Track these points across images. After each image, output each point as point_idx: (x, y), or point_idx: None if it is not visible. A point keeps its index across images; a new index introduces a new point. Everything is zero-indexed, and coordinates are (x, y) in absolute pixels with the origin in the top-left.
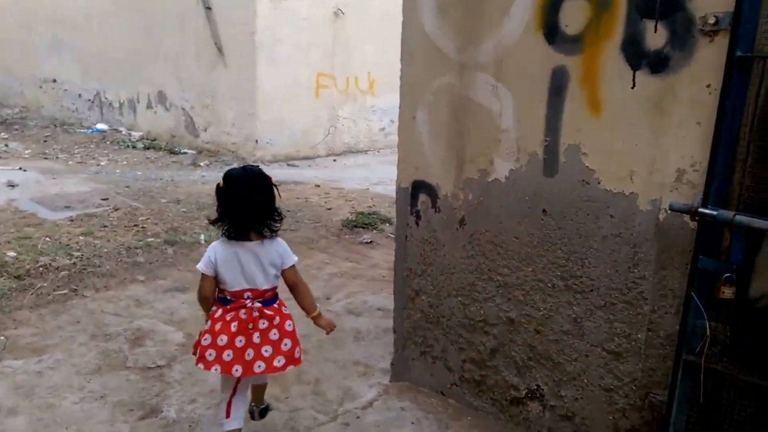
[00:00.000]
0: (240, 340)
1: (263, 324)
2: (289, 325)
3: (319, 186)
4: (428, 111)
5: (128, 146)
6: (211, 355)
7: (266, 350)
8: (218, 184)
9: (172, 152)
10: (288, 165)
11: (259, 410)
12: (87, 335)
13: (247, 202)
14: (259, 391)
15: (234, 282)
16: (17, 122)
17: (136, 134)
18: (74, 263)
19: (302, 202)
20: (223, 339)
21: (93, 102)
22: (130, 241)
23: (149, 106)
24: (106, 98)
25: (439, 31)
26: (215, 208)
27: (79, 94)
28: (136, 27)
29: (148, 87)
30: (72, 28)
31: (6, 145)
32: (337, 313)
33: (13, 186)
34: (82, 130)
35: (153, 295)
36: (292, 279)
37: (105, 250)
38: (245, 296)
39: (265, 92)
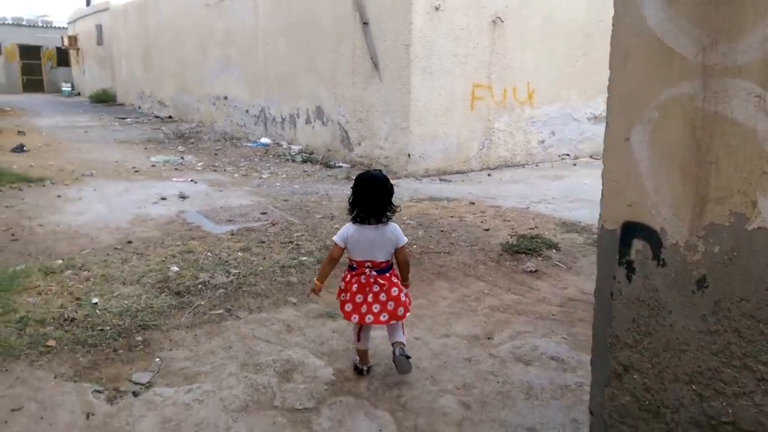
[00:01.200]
0: (359, 297)
1: (375, 288)
2: (395, 291)
3: (473, 203)
4: (651, 131)
5: (288, 159)
6: (348, 307)
7: (376, 307)
8: (356, 185)
9: (328, 165)
10: (440, 180)
11: (404, 355)
12: (237, 364)
13: (372, 198)
14: (395, 330)
15: (359, 254)
16: (193, 136)
17: (295, 148)
18: (231, 281)
19: (456, 222)
20: (346, 295)
21: (258, 117)
22: (284, 259)
23: (308, 121)
24: (270, 114)
25: (670, 24)
26: (348, 200)
27: (247, 110)
28: (296, 47)
29: (307, 102)
30: (240, 49)
31: (182, 158)
32: (502, 360)
33: (184, 198)
34: (248, 144)
35: (304, 320)
36: (402, 257)
37: (261, 268)
38: (366, 266)
39: (418, 105)
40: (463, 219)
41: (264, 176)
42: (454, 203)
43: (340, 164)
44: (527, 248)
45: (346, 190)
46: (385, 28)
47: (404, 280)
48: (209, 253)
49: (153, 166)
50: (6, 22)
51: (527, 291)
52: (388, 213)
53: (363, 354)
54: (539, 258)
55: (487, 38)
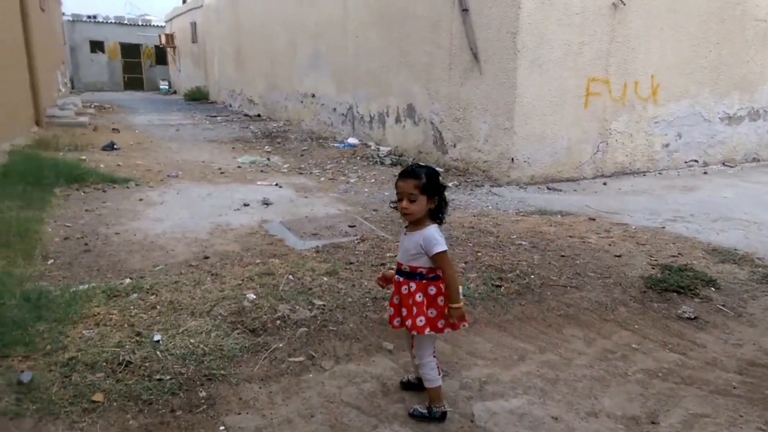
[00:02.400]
0: (396, 299)
1: (403, 290)
2: (420, 297)
3: (593, 219)
4: None
5: (376, 162)
6: (390, 311)
7: (392, 310)
8: (436, 177)
9: None
10: (548, 189)
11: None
12: None
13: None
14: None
15: (399, 255)
16: (280, 135)
17: (384, 149)
18: (315, 316)
19: (578, 244)
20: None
21: (346, 116)
22: (377, 287)
23: (398, 120)
24: (358, 112)
25: None
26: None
27: (334, 108)
28: (387, 39)
29: (398, 100)
30: (329, 43)
31: (268, 159)
32: None
33: (267, 204)
34: (335, 144)
35: (402, 376)
36: (438, 263)
37: (349, 299)
38: (402, 268)
39: (524, 102)
40: (586, 240)
41: (351, 180)
42: (569, 219)
43: (434, 168)
44: (678, 285)
45: None
46: (488, 15)
47: (451, 300)
48: (291, 277)
49: (239, 167)
50: (109, 21)
51: (690, 348)
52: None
53: (441, 391)
54: (695, 299)
55: (606, 24)
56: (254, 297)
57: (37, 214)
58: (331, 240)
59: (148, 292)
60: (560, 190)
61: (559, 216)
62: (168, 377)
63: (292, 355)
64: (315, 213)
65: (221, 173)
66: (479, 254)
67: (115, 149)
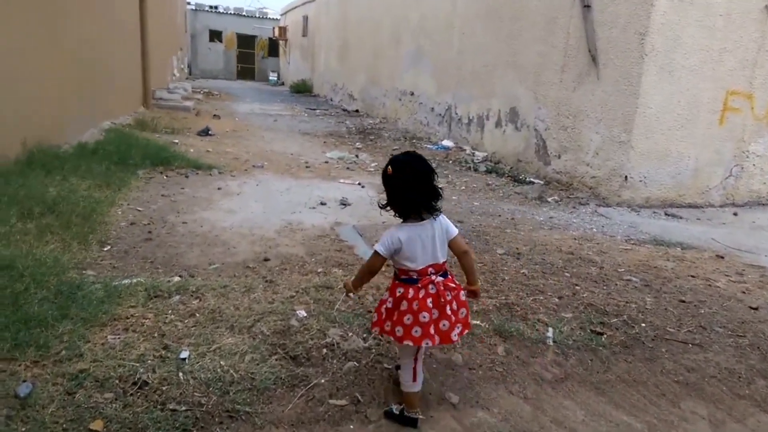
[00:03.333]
0: (435, 313)
1: (448, 296)
2: (462, 294)
3: (722, 257)
4: None
5: (470, 167)
6: (417, 332)
7: (451, 320)
8: (385, 170)
9: (516, 180)
10: (666, 214)
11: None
12: None
13: (420, 186)
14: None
15: (420, 260)
16: (374, 132)
17: (479, 154)
18: (369, 348)
19: (702, 287)
20: (425, 316)
21: (443, 117)
22: None
23: (498, 124)
24: (456, 113)
25: None
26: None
27: (432, 108)
28: (495, 35)
29: (500, 102)
30: (433, 39)
31: (357, 156)
32: None
33: (345, 205)
34: (428, 146)
35: None
36: (462, 246)
37: None
38: (429, 272)
39: (647, 114)
40: (712, 283)
41: (440, 186)
42: (692, 253)
43: (532, 179)
44: None
45: (536, 214)
46: (613, 12)
47: (472, 283)
48: (351, 293)
49: (326, 162)
50: (229, 12)
51: None
52: (436, 204)
53: (414, 398)
54: None
55: (755, 30)
56: (304, 315)
57: (111, 195)
58: None
59: (192, 295)
60: (680, 217)
61: (678, 249)
62: (183, 408)
63: (334, 395)
64: (393, 219)
65: (306, 167)
66: (577, 288)
67: (210, 135)
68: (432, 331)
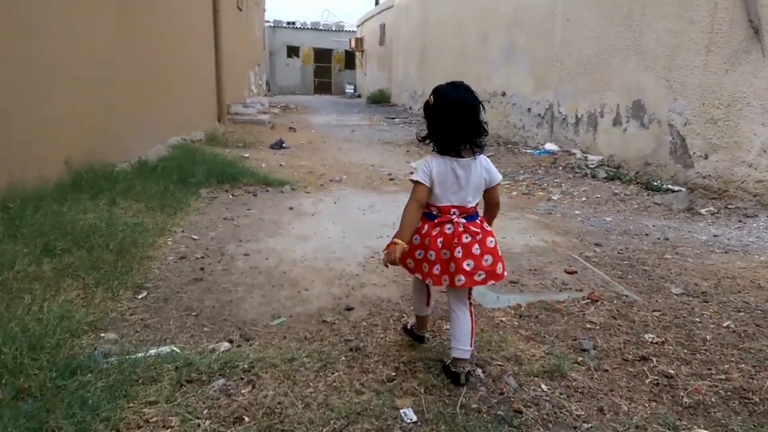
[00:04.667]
0: (445, 254)
1: (466, 238)
2: (491, 241)
3: None
4: None
5: (585, 174)
6: (426, 267)
7: (468, 264)
8: (427, 101)
9: (650, 187)
10: None
11: (465, 374)
12: None
13: (462, 118)
14: (458, 327)
15: (444, 197)
16: None
17: (593, 158)
18: None
19: None
20: (432, 254)
21: (543, 117)
22: (645, 415)
23: (617, 122)
24: (560, 112)
25: None
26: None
27: (528, 109)
28: (610, 18)
29: (619, 96)
30: (529, 31)
31: None
32: None
33: None
34: (527, 150)
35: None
36: (496, 198)
37: None
38: (452, 212)
39: None
40: None
41: (554, 197)
42: None
43: (669, 186)
44: None
45: (694, 231)
46: None
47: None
48: (480, 373)
49: (411, 173)
50: (306, 27)
51: None
52: (479, 140)
53: (424, 321)
54: None
55: None
56: (413, 419)
57: (163, 220)
58: (539, 295)
59: (242, 379)
60: None
61: None
62: None
63: None
64: (510, 244)
65: (390, 179)
66: None
67: (284, 148)
68: (436, 271)
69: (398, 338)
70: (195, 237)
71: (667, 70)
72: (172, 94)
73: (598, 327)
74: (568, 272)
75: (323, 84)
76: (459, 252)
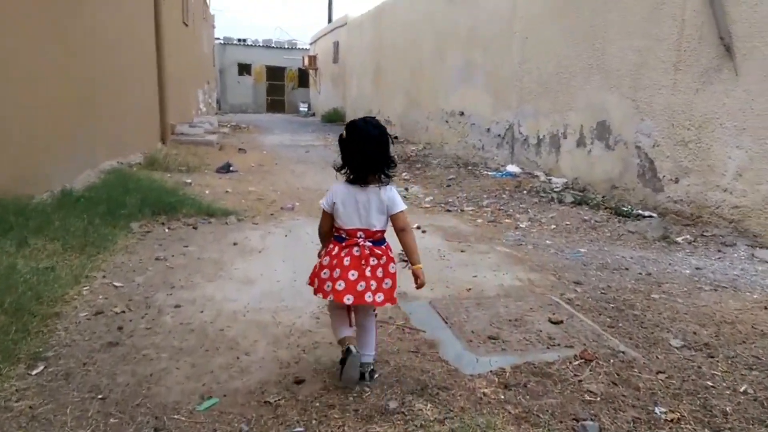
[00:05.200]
0: (353, 274)
1: (373, 261)
2: (393, 267)
3: None
4: None
5: (552, 199)
6: (328, 286)
7: (373, 284)
8: (341, 135)
9: (619, 213)
10: None
11: (369, 371)
12: None
13: (369, 151)
14: (365, 336)
15: (349, 221)
16: (420, 160)
17: (557, 181)
18: None
19: None
20: (337, 272)
21: (503, 138)
22: None
23: (581, 143)
24: (521, 133)
25: None
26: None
27: (488, 129)
28: (572, 36)
29: (582, 116)
30: (487, 50)
31: (406, 189)
32: None
33: (406, 262)
34: (488, 173)
35: None
36: (401, 223)
37: None
38: (358, 235)
39: None
40: None
41: (522, 225)
42: None
43: (640, 211)
44: None
45: (674, 263)
46: None
47: (413, 262)
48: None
49: None
50: (257, 44)
51: None
52: (387, 171)
53: (347, 341)
54: None
55: None
56: None
57: (82, 263)
58: (525, 355)
59: None
60: None
61: None
62: None
63: None
64: (482, 284)
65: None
66: None
67: (231, 171)
68: (342, 288)
69: (359, 426)
70: (118, 284)
71: (633, 90)
72: (106, 113)
73: (599, 399)
74: (553, 322)
75: (276, 102)
76: (368, 271)
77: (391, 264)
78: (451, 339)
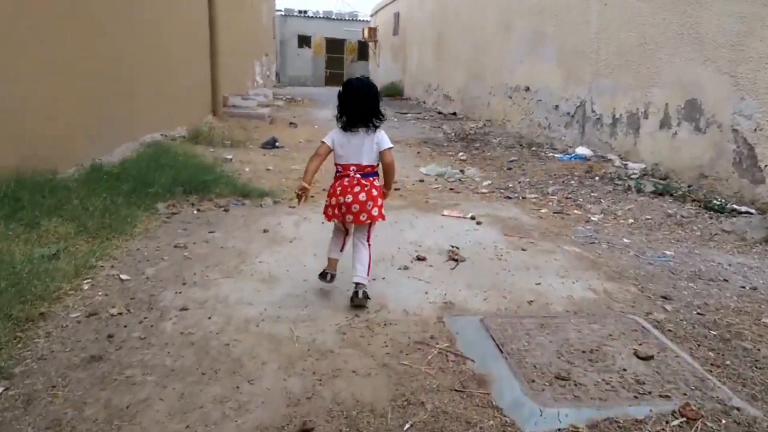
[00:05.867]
0: (341, 199)
1: (357, 189)
2: (374, 192)
3: None
4: None
5: (629, 188)
6: (330, 211)
7: (355, 207)
8: (339, 91)
9: (710, 207)
10: None
11: (362, 292)
12: None
13: (359, 104)
14: (357, 254)
15: (344, 158)
16: (479, 139)
17: (634, 166)
18: None
19: None
20: (333, 200)
21: (573, 116)
22: None
23: (665, 125)
24: (593, 111)
25: None
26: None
27: (556, 106)
28: (658, 1)
29: (668, 94)
30: (559, 19)
31: (462, 171)
32: None
33: (456, 261)
34: (555, 154)
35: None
36: (388, 159)
37: None
38: (351, 169)
39: None
40: None
41: (594, 218)
42: None
43: (736, 206)
44: None
45: None
46: None
47: (387, 188)
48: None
49: (420, 181)
50: (318, 16)
51: None
52: (375, 120)
53: (334, 264)
54: None
55: None
56: None
57: (90, 250)
58: (605, 407)
59: None
60: None
61: None
62: None
63: None
64: (547, 295)
65: (395, 189)
66: None
67: (277, 147)
68: (335, 212)
69: None
70: (124, 277)
71: (733, 64)
72: (149, 85)
73: None
74: (640, 357)
75: (335, 75)
76: (349, 198)
77: (373, 190)
78: (506, 375)
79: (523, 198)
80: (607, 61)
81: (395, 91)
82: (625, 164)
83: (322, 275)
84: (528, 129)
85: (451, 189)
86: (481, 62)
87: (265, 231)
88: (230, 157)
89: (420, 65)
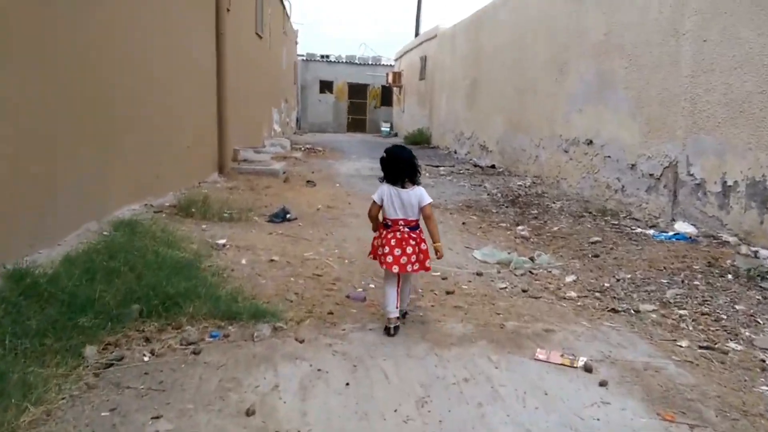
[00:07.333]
0: (398, 251)
1: (412, 242)
2: (424, 245)
3: None
4: None
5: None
6: (389, 259)
7: (412, 258)
8: (382, 157)
9: None
10: None
11: (393, 327)
12: None
13: (400, 166)
14: (404, 291)
15: (392, 213)
16: (532, 202)
17: (765, 253)
18: None
19: None
20: (386, 249)
21: (659, 179)
22: None
23: None
24: (691, 175)
25: None
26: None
27: (632, 165)
28: None
29: None
30: (634, 58)
31: (532, 260)
32: None
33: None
34: (644, 230)
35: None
36: (427, 212)
37: None
38: (400, 223)
39: None
40: None
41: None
42: None
43: None
44: None
45: None
46: None
47: (435, 240)
48: None
49: (479, 274)
50: (340, 61)
51: None
52: (414, 178)
53: (394, 319)
54: None
55: None
56: None
57: None
58: None
59: None
60: None
61: None
62: None
63: None
64: None
65: (447, 293)
66: None
67: (288, 220)
68: (390, 260)
69: None
70: None
71: None
72: (131, 140)
73: None
74: None
75: (357, 121)
76: (409, 249)
77: (423, 244)
78: None
79: (637, 312)
80: (709, 112)
81: (422, 139)
82: (755, 251)
83: (386, 330)
84: (592, 191)
85: (524, 291)
86: (524, 109)
87: (248, 413)
88: (224, 241)
89: (450, 111)
